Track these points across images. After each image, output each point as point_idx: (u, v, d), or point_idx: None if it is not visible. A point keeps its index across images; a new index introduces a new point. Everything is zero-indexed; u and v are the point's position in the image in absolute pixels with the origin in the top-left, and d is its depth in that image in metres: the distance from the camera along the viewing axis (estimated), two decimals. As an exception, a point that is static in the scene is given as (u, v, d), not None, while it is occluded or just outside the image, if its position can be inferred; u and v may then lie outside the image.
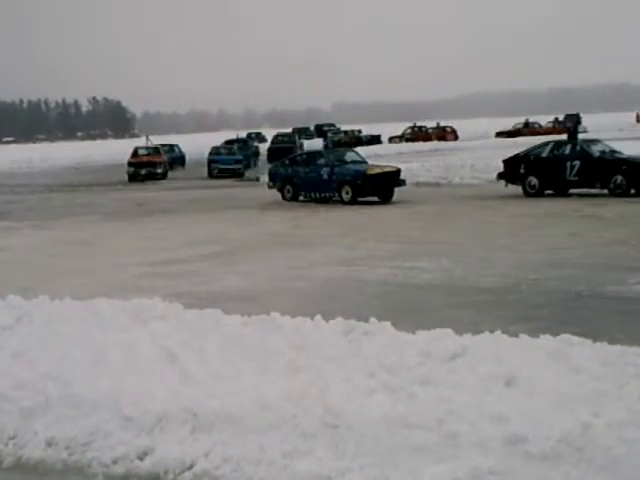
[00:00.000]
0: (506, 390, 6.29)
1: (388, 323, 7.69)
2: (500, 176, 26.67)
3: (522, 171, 25.68)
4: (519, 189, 25.69)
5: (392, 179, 26.23)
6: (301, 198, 27.33)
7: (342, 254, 15.62)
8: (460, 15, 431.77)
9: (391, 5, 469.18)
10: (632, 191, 23.20)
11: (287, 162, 28.68)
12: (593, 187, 24.31)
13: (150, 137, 57.31)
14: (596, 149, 24.73)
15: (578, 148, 24.96)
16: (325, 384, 6.39)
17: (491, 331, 7.50)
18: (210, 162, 45.11)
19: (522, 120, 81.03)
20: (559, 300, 11.08)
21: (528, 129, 72.57)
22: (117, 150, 63.19)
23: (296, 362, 6.88)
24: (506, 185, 26.20)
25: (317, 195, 26.86)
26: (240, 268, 14.56)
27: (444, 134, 73.08)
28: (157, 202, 29.98)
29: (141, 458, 6.12)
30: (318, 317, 8.19)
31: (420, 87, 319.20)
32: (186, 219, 23.75)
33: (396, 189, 26.22)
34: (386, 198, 25.98)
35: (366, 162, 27.86)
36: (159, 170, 44.53)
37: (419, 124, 79.18)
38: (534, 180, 25.34)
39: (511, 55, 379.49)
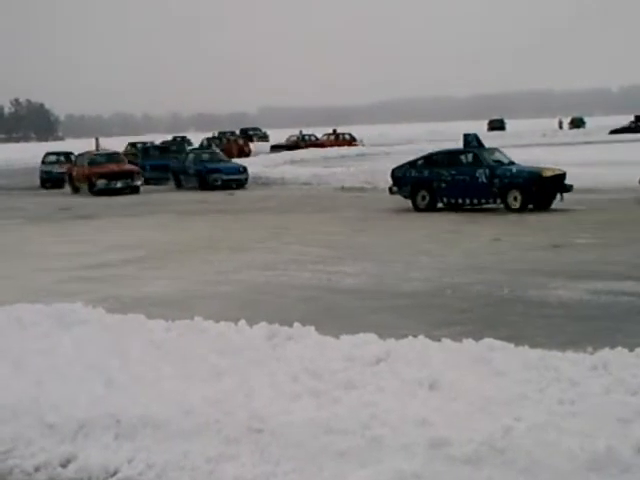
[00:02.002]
0: (430, 394, 6.35)
1: (312, 328, 7.71)
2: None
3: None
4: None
5: (560, 183, 22.44)
6: (440, 205, 23.19)
7: (267, 258, 15.60)
8: (385, 20, 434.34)
9: (316, 9, 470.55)
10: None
11: (419, 162, 23.95)
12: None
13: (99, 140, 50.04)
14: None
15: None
16: (249, 389, 6.38)
17: (415, 335, 7.57)
18: (209, 172, 35.50)
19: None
20: (483, 304, 11.21)
21: (304, 142, 66.24)
22: (36, 153, 61.90)
23: (220, 367, 6.86)
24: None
25: (468, 201, 22.65)
26: (166, 273, 14.46)
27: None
28: (82, 207, 29.44)
29: (64, 465, 6.03)
30: (242, 322, 8.18)
31: (348, 92, 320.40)
32: (112, 223, 23.50)
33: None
34: (546, 206, 22.08)
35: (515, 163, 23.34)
36: (138, 182, 35.36)
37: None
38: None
39: (438, 62, 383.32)
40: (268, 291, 12.53)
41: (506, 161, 23.04)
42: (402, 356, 6.87)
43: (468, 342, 7.31)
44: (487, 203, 22.38)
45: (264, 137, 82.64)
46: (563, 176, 22.48)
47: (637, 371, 6.54)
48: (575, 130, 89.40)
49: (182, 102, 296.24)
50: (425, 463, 5.42)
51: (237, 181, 35.32)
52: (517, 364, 6.75)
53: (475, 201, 22.50)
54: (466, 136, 23.92)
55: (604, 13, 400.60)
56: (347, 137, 69.96)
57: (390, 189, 24.20)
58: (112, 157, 37.98)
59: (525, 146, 51.50)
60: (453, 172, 22.77)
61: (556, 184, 22.19)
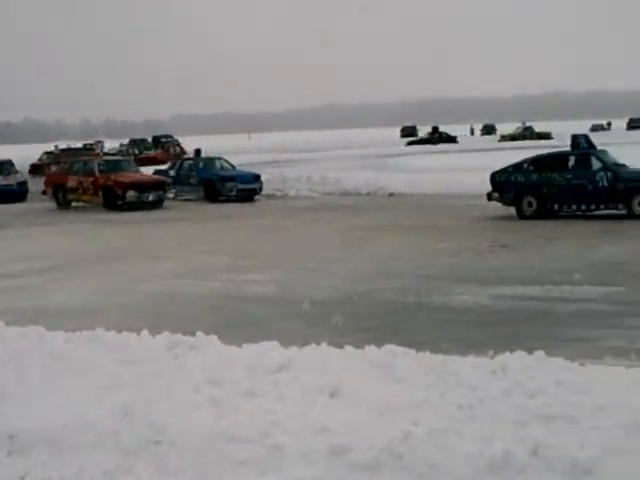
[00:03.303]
0: (331, 401, 6.36)
1: (215, 337, 7.67)
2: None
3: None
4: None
5: None
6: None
7: (177, 267, 15.47)
8: (305, 27, 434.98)
9: (228, 17, 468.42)
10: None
11: (525, 165, 21.96)
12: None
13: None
14: None
15: None
16: (149, 399, 6.30)
17: (317, 343, 7.57)
18: (220, 179, 31.30)
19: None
20: (389, 311, 11.28)
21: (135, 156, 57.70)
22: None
23: (120, 378, 6.77)
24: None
25: (584, 207, 20.81)
26: (71, 283, 14.23)
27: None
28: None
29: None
30: (145, 332, 8.10)
31: (262, 98, 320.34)
32: (20, 232, 23.05)
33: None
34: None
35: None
36: (170, 194, 30.98)
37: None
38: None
39: (364, 68, 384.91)
40: (176, 301, 12.43)
41: (622, 163, 21.47)
42: (304, 364, 6.87)
43: (370, 349, 7.35)
44: (607, 209, 20.54)
45: (177, 145, 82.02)
46: None
47: (535, 374, 6.66)
48: (487, 136, 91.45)
49: (94, 108, 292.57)
50: (325, 470, 5.42)
51: (252, 191, 31.46)
52: (418, 370, 6.81)
53: (593, 207, 20.69)
54: (575, 137, 22.02)
55: (511, 19, 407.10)
56: (177, 149, 64.07)
57: (489, 195, 22.18)
58: (125, 164, 32.25)
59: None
60: (568, 176, 20.96)
61: None
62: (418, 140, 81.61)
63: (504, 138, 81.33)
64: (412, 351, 7.33)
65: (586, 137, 22.17)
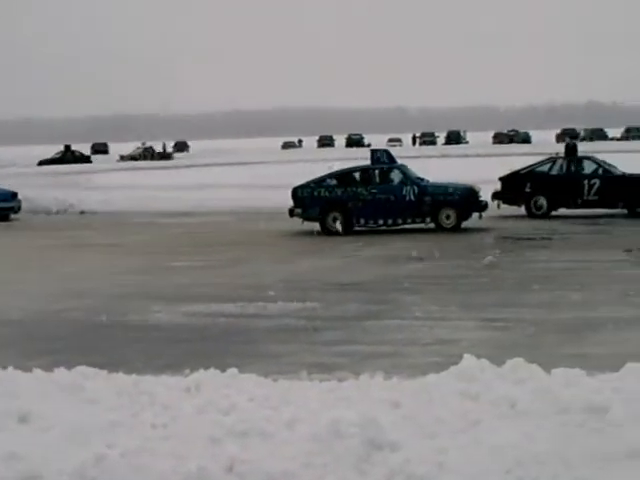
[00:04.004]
0: (20, 427, 6.08)
1: None
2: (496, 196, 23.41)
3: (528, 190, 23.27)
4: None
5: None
6: (356, 228, 21.17)
7: None
8: (156, 34, 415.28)
9: (77, 20, 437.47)
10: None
11: (328, 181, 21.82)
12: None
13: None
14: None
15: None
16: None
17: (4, 367, 7.24)
18: None
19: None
20: (82, 331, 11.01)
21: None
22: None
23: None
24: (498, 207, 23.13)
25: (391, 222, 21.03)
26: None
27: None
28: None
29: None
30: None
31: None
32: None
33: None
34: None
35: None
36: None
37: None
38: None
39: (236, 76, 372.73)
40: None
41: (423, 178, 21.91)
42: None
43: (60, 371, 7.11)
44: (414, 222, 21.02)
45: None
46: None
47: (229, 391, 6.69)
48: (179, 153, 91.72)
49: None
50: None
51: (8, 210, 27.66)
52: (110, 391, 6.66)
53: (400, 221, 21.02)
54: (374, 152, 22.59)
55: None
56: None
57: (291, 211, 21.63)
58: None
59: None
60: (374, 190, 21.12)
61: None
62: (50, 160, 73.88)
63: (123, 158, 78.42)
64: (104, 372, 7.17)
65: (386, 152, 22.76)
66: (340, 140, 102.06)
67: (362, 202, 21.03)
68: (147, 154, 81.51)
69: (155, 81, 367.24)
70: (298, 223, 21.38)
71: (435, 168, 31.74)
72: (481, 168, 33.56)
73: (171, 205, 29.70)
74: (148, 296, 13.21)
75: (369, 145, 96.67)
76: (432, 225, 20.86)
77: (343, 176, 22.01)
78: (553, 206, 23.12)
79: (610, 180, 22.89)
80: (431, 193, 20.92)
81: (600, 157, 24.88)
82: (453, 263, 15.80)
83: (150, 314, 11.94)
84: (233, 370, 7.34)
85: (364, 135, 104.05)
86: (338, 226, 20.93)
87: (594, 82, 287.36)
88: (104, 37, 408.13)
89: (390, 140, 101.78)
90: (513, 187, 23.52)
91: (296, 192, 21.71)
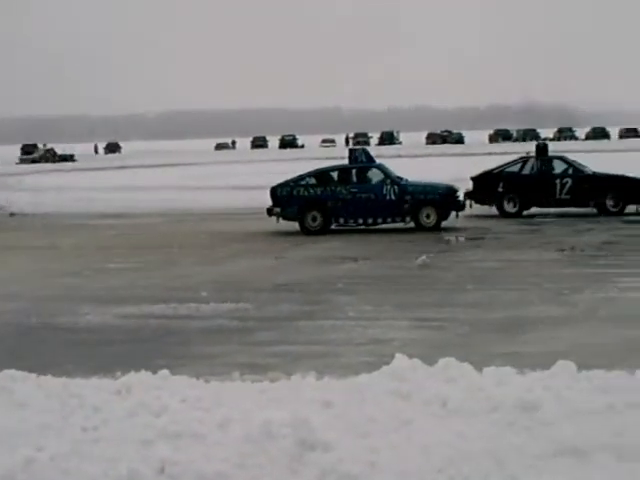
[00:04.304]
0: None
1: None
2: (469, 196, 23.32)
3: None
4: None
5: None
6: (334, 227, 21.09)
7: None
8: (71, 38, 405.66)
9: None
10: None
11: (308, 180, 21.61)
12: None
13: None
14: None
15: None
16: None
17: None
18: None
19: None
20: (10, 334, 10.84)
21: None
22: None
23: None
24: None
25: (371, 221, 21.03)
26: None
27: None
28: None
29: None
30: None
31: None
32: None
33: None
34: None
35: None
36: None
37: None
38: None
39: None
40: None
41: (402, 177, 21.72)
42: None
43: (-13, 375, 6.99)
44: (393, 222, 20.94)
45: None
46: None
47: (160, 393, 6.63)
48: (111, 155, 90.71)
49: None
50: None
51: None
52: (40, 394, 6.56)
53: (380, 220, 20.94)
54: (352, 151, 22.53)
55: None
56: None
57: (270, 210, 21.42)
58: None
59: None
60: (353, 190, 21.06)
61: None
62: None
63: (23, 161, 77.39)
64: (33, 375, 7.06)
65: (365, 151, 22.58)
66: (274, 141, 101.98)
67: (342, 201, 21.01)
68: (49, 156, 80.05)
69: (89, 81, 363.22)
70: (230, 223, 21.31)
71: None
72: (414, 168, 33.71)
73: (103, 207, 29.50)
74: (79, 298, 13.04)
75: (302, 146, 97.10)
76: (412, 224, 20.83)
77: (322, 175, 21.90)
78: (525, 206, 23.35)
79: (581, 179, 23.17)
80: (411, 192, 20.94)
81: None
82: (387, 264, 15.86)
83: (81, 316, 11.78)
84: (164, 372, 7.29)
85: (298, 136, 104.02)
86: (315, 225, 20.97)
87: (528, 83, 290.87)
88: (36, 36, 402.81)
89: (324, 141, 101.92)
90: (485, 187, 23.64)
91: (275, 191, 21.53)
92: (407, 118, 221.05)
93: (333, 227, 21.05)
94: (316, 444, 5.57)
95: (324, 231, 20.75)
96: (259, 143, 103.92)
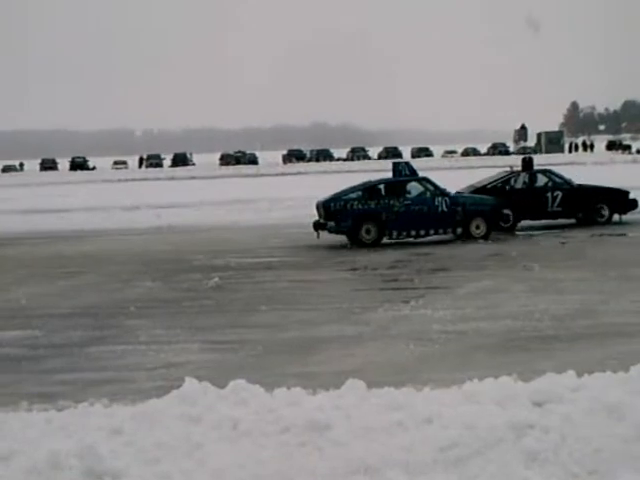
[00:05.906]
0: None
1: None
2: None
3: None
4: None
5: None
6: (386, 240, 21.24)
7: None
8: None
9: None
10: None
11: (359, 193, 21.79)
12: None
13: None
14: None
15: None
16: None
17: None
18: None
19: None
20: None
21: None
22: None
23: None
24: None
25: (424, 233, 21.36)
26: None
27: None
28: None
29: None
30: None
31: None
32: None
33: None
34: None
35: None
36: None
37: None
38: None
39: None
40: None
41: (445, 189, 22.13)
42: None
43: None
44: (445, 233, 21.36)
45: None
46: None
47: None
48: None
49: None
50: None
51: None
52: None
53: (432, 232, 21.34)
54: (396, 164, 22.64)
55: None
56: None
57: (322, 225, 21.46)
58: None
59: None
60: (407, 202, 21.41)
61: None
62: None
63: None
64: None
65: (408, 164, 22.89)
66: (64, 163, 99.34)
67: (396, 214, 21.34)
68: None
69: None
70: (18, 248, 20.55)
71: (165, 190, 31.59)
72: (209, 190, 33.76)
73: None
74: None
75: (94, 168, 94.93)
76: (457, 234, 21.43)
77: (371, 189, 22.14)
78: (519, 218, 23.85)
79: (570, 192, 24.13)
80: (462, 203, 21.64)
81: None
82: (179, 286, 15.69)
83: None
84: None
85: (88, 158, 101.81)
86: (369, 238, 21.26)
87: (320, 105, 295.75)
88: None
89: (116, 162, 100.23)
90: None
91: (328, 205, 21.61)
92: (200, 139, 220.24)
93: (385, 240, 21.35)
94: (105, 473, 5.45)
95: (377, 243, 21.08)
96: (48, 165, 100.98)
